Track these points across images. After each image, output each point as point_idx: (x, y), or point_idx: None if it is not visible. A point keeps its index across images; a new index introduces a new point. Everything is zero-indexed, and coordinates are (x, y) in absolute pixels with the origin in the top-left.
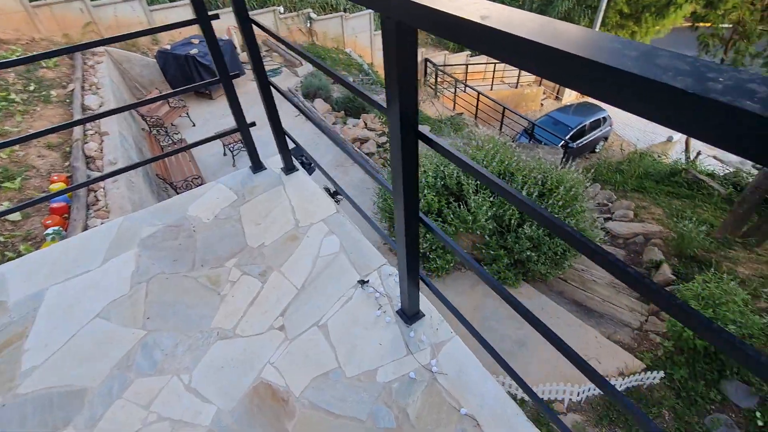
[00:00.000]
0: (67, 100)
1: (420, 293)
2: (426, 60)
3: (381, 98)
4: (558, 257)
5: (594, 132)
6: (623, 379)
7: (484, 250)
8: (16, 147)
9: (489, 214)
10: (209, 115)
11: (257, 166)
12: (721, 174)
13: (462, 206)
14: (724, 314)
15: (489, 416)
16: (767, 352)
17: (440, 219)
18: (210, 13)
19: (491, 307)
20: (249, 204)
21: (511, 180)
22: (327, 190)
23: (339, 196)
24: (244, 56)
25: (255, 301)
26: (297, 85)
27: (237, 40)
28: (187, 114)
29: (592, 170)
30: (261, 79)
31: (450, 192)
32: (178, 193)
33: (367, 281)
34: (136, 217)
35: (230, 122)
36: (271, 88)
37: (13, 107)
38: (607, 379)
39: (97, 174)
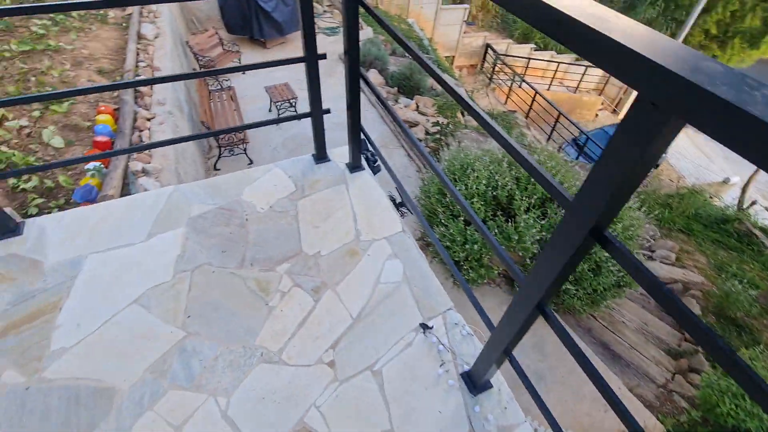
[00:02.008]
0: (124, 24)
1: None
2: (487, 45)
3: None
4: (597, 295)
5: None
6: None
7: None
8: (67, 66)
9: (537, 237)
10: None
11: (321, 156)
12: None
13: (510, 223)
14: None
15: None
16: None
17: None
18: None
19: None
20: (308, 200)
21: None
22: (391, 198)
23: (404, 208)
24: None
25: (305, 323)
26: None
27: None
28: (239, 60)
29: (643, 203)
30: (352, 69)
31: (499, 204)
32: (219, 146)
33: (431, 327)
34: (187, 191)
35: (281, 76)
36: (360, 80)
37: (69, 22)
38: None
39: (144, 112)
